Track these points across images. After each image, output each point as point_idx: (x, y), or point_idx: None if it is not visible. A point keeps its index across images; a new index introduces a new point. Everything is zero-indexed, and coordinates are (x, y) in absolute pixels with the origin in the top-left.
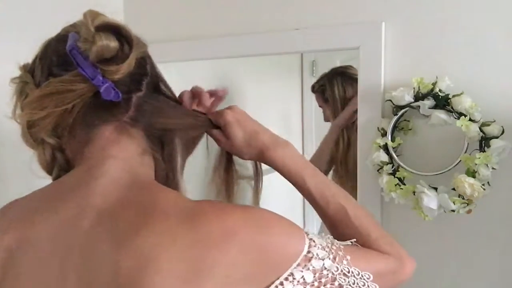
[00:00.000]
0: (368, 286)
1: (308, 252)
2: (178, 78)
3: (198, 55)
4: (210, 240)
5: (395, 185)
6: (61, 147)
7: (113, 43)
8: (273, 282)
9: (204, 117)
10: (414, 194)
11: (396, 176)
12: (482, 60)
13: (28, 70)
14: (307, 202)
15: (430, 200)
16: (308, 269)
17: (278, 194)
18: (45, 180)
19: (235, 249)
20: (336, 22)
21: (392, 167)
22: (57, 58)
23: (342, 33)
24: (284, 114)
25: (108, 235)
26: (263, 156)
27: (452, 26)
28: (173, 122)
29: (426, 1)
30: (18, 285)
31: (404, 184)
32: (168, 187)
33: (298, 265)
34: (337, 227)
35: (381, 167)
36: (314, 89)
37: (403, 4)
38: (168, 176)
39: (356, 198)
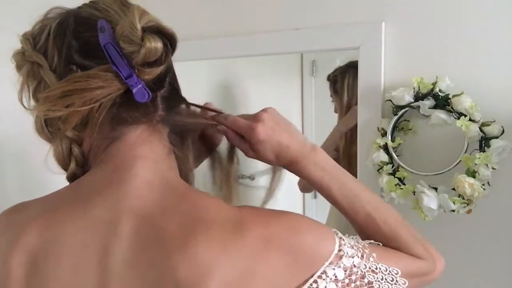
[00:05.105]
0: (397, 281)
1: (339, 250)
2: (178, 78)
3: (198, 55)
4: (254, 248)
5: (395, 185)
6: (80, 140)
7: (160, 45)
8: (307, 280)
9: (209, 121)
10: (414, 194)
11: (396, 176)
12: (482, 60)
13: (38, 48)
14: (306, 201)
15: (430, 200)
16: (340, 266)
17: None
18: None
19: (274, 255)
20: (336, 22)
21: (392, 167)
22: (79, 44)
23: (342, 33)
24: (284, 114)
25: (154, 242)
26: (290, 169)
27: (452, 26)
28: (188, 118)
29: (426, 1)
30: None
31: (404, 184)
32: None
33: (330, 263)
34: (367, 234)
35: (381, 167)
36: (329, 78)
37: (403, 4)
38: (181, 170)
39: None
